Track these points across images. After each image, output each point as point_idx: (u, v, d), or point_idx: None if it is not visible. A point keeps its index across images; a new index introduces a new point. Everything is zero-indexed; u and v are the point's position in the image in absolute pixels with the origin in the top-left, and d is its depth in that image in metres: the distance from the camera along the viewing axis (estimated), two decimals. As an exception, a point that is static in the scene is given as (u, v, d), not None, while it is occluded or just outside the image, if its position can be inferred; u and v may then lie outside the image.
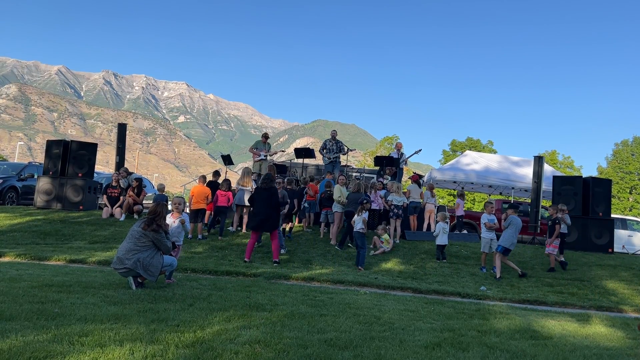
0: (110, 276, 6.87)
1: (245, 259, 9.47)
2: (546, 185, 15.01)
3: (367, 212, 10.55)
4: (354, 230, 9.99)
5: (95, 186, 14.81)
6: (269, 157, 15.49)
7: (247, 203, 11.09)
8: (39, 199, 13.97)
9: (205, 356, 3.59)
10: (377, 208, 12.51)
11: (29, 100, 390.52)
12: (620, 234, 16.03)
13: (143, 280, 6.18)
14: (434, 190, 14.48)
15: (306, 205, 12.62)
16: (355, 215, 10.10)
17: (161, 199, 11.83)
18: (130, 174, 14.84)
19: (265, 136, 15.73)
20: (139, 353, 3.52)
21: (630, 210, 42.56)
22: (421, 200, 13.65)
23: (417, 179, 14.25)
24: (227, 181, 12.40)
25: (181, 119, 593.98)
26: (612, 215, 14.44)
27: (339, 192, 11.54)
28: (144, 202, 13.83)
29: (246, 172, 12.44)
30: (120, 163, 15.37)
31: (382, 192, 12.80)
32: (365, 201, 10.30)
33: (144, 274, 6.09)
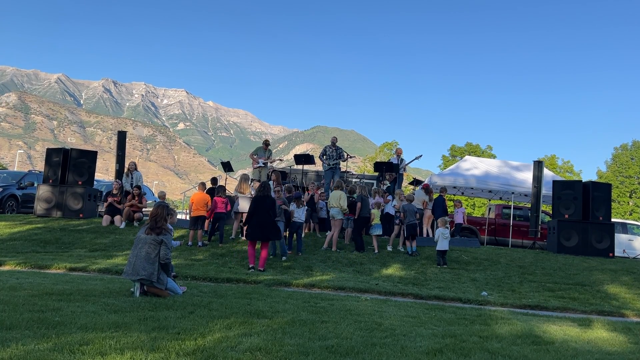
0: (110, 284, 6.85)
1: (250, 265, 9.25)
2: (546, 190, 15.02)
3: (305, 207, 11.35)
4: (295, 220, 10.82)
5: (95, 194, 14.81)
6: (268, 164, 15.48)
7: (246, 210, 11.02)
8: (39, 207, 13.96)
9: (206, 364, 3.57)
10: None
11: (29, 109, 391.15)
12: (620, 238, 16.04)
13: (149, 290, 6.17)
14: (432, 196, 14.45)
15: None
16: (297, 208, 10.89)
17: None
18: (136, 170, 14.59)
19: (266, 143, 15.72)
20: (139, 361, 3.51)
21: (631, 214, 42.57)
22: (422, 207, 13.64)
23: (427, 186, 14.30)
24: (222, 187, 12.39)
25: (181, 126, 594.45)
26: (613, 220, 14.45)
27: (343, 199, 11.51)
28: (143, 209, 13.82)
29: (244, 178, 12.36)
30: (120, 170, 15.36)
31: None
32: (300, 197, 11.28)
33: (157, 284, 6.12)
